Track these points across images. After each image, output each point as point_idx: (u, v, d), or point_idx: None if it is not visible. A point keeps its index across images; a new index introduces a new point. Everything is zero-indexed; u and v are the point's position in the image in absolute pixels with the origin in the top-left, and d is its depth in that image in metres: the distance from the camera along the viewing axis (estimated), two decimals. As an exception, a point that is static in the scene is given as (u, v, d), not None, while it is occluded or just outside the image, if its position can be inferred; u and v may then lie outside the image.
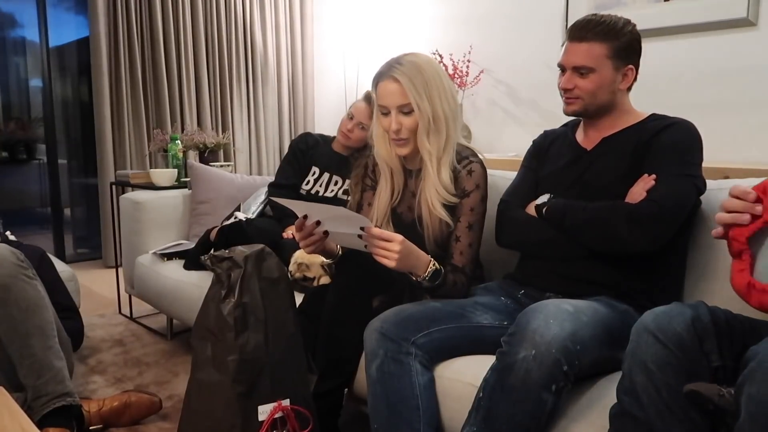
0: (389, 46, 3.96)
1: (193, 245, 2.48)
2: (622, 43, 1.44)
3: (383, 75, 1.51)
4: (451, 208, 1.55)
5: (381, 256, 1.35)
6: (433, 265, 1.45)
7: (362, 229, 1.34)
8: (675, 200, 1.35)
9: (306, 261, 1.89)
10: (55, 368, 1.64)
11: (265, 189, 2.56)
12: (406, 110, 1.50)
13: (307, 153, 2.42)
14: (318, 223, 1.42)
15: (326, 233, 1.44)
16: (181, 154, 2.98)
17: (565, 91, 1.50)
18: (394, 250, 1.33)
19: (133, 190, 2.89)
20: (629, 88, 1.51)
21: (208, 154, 3.17)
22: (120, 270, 2.94)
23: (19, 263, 1.67)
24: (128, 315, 2.95)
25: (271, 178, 2.57)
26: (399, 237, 1.35)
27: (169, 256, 2.52)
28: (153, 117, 4.03)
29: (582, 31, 1.45)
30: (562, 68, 1.50)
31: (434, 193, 1.53)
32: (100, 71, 3.80)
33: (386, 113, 1.53)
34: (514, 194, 1.64)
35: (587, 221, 1.42)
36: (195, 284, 2.22)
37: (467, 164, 1.56)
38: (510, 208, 1.60)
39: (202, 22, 4.13)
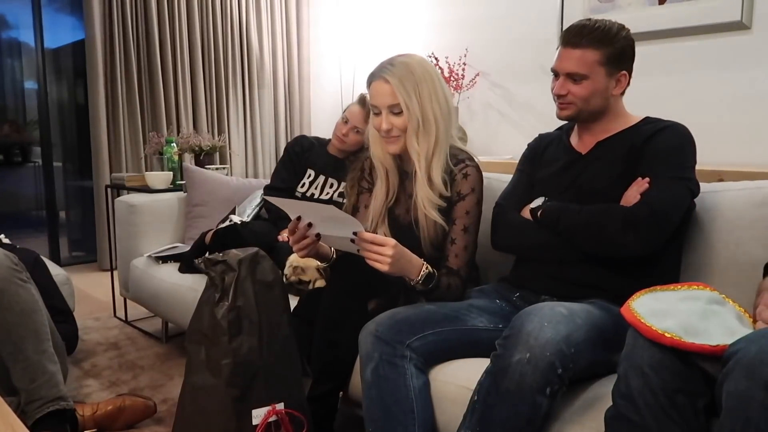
0: (385, 50, 3.94)
1: (188, 248, 2.47)
2: (615, 49, 1.44)
3: (375, 75, 1.53)
4: (444, 211, 1.55)
5: (373, 260, 1.35)
6: (426, 268, 1.45)
7: (355, 233, 1.34)
8: (669, 203, 1.36)
9: (301, 264, 1.89)
10: (49, 372, 1.64)
11: (261, 192, 2.55)
12: (395, 110, 1.51)
13: (302, 156, 2.42)
14: (310, 225, 1.41)
15: (318, 236, 1.44)
16: (176, 157, 2.98)
17: (558, 97, 1.50)
18: (387, 255, 1.33)
19: (128, 193, 2.89)
20: (623, 93, 1.52)
21: (203, 157, 3.17)
22: (115, 273, 2.93)
23: (13, 266, 1.67)
24: (123, 318, 2.94)
25: (267, 181, 2.56)
26: (391, 241, 1.35)
27: (164, 259, 2.51)
28: (148, 119, 4.02)
29: (576, 37, 1.45)
30: (556, 73, 1.51)
31: (424, 196, 1.54)
32: (95, 74, 3.79)
33: (377, 113, 1.55)
34: (509, 198, 1.64)
35: (581, 224, 1.42)
36: (190, 287, 2.21)
37: (463, 167, 1.57)
38: (505, 211, 1.61)
39: (198, 25, 4.13)
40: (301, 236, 1.44)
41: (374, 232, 1.64)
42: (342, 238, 1.38)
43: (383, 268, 1.34)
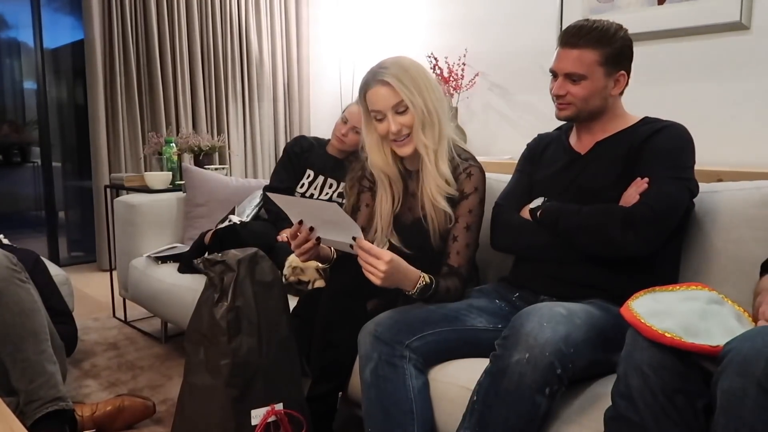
0: (385, 50, 3.95)
1: (187, 248, 2.47)
2: (614, 49, 1.44)
3: (370, 82, 1.52)
4: (452, 201, 1.56)
5: (367, 271, 1.34)
6: (422, 281, 1.43)
7: (354, 239, 1.34)
8: (667, 203, 1.36)
9: (300, 265, 1.89)
10: (48, 373, 1.63)
11: (260, 192, 2.55)
12: (400, 109, 1.51)
13: (301, 156, 2.42)
14: (311, 229, 1.42)
15: (319, 240, 1.44)
16: (175, 157, 2.98)
17: (557, 97, 1.50)
18: (380, 269, 1.32)
19: (127, 193, 2.89)
20: (621, 93, 1.52)
21: (203, 157, 3.17)
22: (114, 273, 2.93)
23: (12, 267, 1.66)
24: (122, 318, 2.93)
25: (266, 182, 2.57)
26: (387, 256, 1.33)
27: (163, 260, 2.51)
28: (148, 120, 4.02)
29: (574, 37, 1.45)
30: (554, 74, 1.51)
31: (434, 186, 1.54)
32: (94, 74, 3.79)
33: (381, 118, 1.54)
34: (509, 198, 1.64)
35: (581, 225, 1.42)
36: (189, 287, 2.21)
37: (467, 167, 1.57)
38: (504, 211, 1.61)
39: (197, 25, 4.13)
40: (303, 241, 1.43)
41: (382, 242, 1.63)
42: (342, 243, 1.38)
43: (376, 281, 1.33)
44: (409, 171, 1.67)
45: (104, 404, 1.84)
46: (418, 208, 1.60)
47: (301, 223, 1.41)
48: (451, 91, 3.50)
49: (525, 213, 1.56)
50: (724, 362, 0.93)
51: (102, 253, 3.98)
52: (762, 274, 1.27)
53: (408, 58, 1.55)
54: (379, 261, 1.32)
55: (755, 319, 1.10)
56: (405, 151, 1.56)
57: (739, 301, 1.18)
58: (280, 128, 4.66)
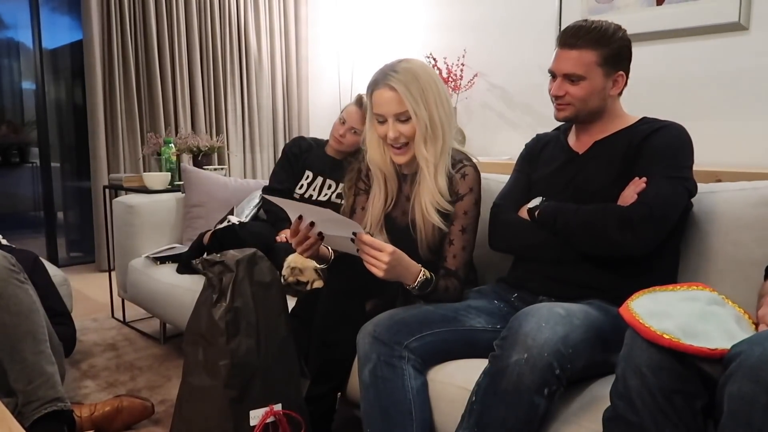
0: (384, 50, 3.96)
1: (186, 249, 2.47)
2: (612, 50, 1.44)
3: (378, 83, 1.50)
4: (445, 215, 1.55)
5: (370, 264, 1.35)
6: (423, 275, 1.44)
7: (354, 234, 1.34)
8: (665, 202, 1.36)
9: (299, 265, 1.89)
10: (47, 373, 1.63)
11: (259, 193, 2.55)
12: (403, 118, 1.49)
13: (300, 157, 2.42)
14: (312, 224, 1.41)
15: (321, 236, 1.43)
16: (174, 158, 2.98)
17: (556, 98, 1.50)
18: (383, 261, 1.32)
19: (126, 194, 2.89)
20: (620, 93, 1.52)
21: (201, 158, 3.17)
22: (113, 274, 2.93)
23: (10, 267, 1.66)
24: (121, 319, 2.93)
25: (265, 182, 2.56)
26: (389, 248, 1.33)
27: (162, 260, 2.51)
28: (147, 120, 4.02)
29: (572, 38, 1.45)
30: (553, 74, 1.51)
31: (430, 199, 1.53)
32: (93, 74, 3.79)
33: (383, 121, 1.52)
34: (507, 198, 1.64)
35: (579, 224, 1.42)
36: (188, 288, 2.21)
37: (461, 168, 1.56)
38: (502, 211, 1.61)
39: (196, 25, 4.13)
40: (303, 237, 1.43)
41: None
42: (343, 238, 1.38)
43: (378, 273, 1.34)
44: (405, 175, 1.66)
45: (103, 405, 1.84)
46: (411, 213, 1.59)
47: (300, 218, 1.40)
48: (450, 92, 3.50)
49: (523, 213, 1.56)
50: (733, 366, 0.92)
51: (101, 253, 3.97)
52: (766, 276, 1.27)
53: (421, 64, 1.52)
54: (382, 253, 1.32)
55: (756, 324, 1.10)
56: (400, 159, 1.55)
57: (738, 301, 1.18)
58: (279, 129, 4.66)
